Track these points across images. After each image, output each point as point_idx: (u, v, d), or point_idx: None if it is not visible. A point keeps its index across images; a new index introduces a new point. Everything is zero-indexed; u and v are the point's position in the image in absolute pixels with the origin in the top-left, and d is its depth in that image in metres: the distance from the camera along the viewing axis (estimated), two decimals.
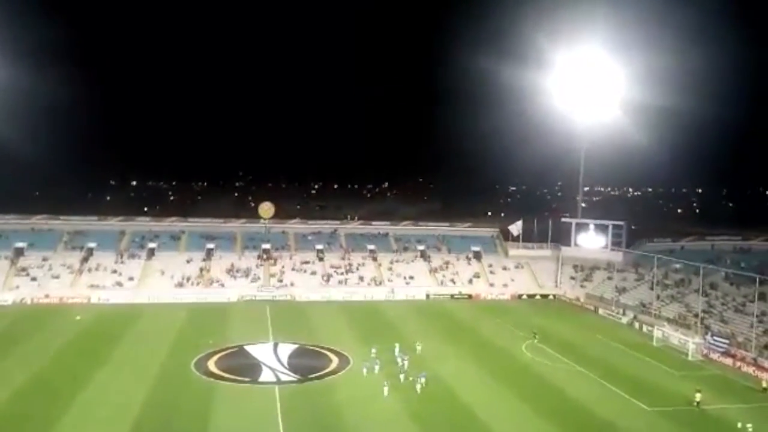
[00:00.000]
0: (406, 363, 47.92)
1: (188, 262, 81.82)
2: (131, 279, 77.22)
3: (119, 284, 76.18)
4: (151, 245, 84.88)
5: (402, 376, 45.85)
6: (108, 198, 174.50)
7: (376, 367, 47.33)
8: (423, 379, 44.03)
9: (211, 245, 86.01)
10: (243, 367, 48.23)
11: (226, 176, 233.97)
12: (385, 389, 42.47)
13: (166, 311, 68.08)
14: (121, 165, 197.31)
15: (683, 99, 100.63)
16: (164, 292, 75.02)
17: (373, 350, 51.02)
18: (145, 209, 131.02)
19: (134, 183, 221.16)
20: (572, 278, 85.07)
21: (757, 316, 57.29)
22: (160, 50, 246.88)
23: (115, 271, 78.24)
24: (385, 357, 49.84)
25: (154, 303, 72.29)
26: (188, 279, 78.30)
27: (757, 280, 58.33)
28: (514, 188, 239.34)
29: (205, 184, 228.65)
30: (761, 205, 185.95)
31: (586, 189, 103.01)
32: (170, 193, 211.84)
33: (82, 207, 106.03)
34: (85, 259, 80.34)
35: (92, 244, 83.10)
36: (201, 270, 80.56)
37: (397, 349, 51.48)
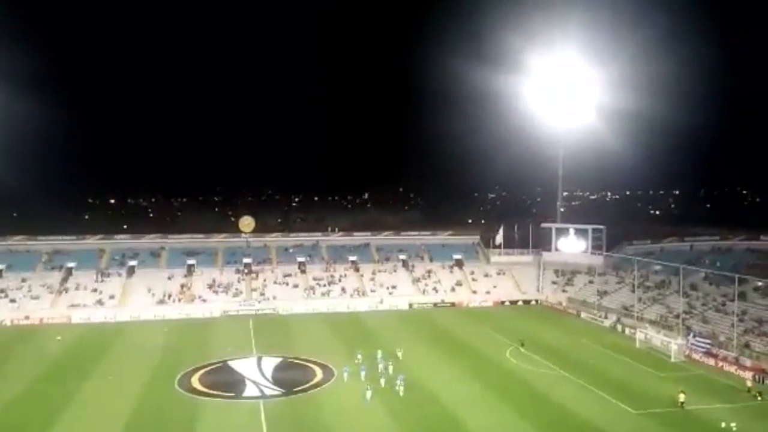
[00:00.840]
0: (390, 368, 48.70)
1: (169, 278, 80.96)
2: (112, 297, 76.18)
3: (100, 303, 75.10)
4: (132, 263, 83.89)
5: (383, 381, 46.59)
6: (86, 216, 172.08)
7: (363, 373, 47.95)
8: (400, 381, 45.00)
9: (192, 261, 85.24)
10: (227, 382, 47.74)
11: (205, 191, 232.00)
12: (368, 393, 43.18)
13: (148, 329, 67.29)
14: (99, 183, 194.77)
15: (658, 102, 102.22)
16: (146, 309, 74.14)
17: (359, 356, 52.04)
18: (125, 227, 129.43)
19: (112, 201, 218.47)
20: (554, 283, 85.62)
21: (737, 315, 58.09)
22: (134, 67, 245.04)
23: (95, 290, 77.14)
24: (368, 363, 50.40)
25: (136, 321, 71.56)
26: (169, 296, 77.46)
27: (737, 279, 59.22)
28: (493, 195, 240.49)
29: (185, 199, 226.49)
30: (738, 204, 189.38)
31: (565, 194, 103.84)
32: (149, 209, 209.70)
33: (60, 226, 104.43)
34: (65, 279, 79.18)
35: (71, 264, 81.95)
36: (182, 286, 79.74)
37: (379, 355, 52.16)
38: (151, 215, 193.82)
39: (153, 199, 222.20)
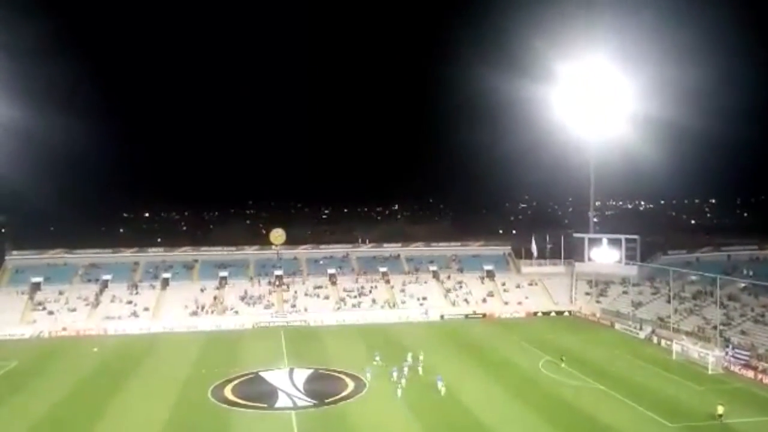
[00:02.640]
0: (419, 368, 52.99)
1: (202, 290, 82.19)
2: (146, 309, 77.60)
3: (135, 315, 76.57)
4: (165, 275, 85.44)
5: (403, 381, 49.16)
6: (121, 230, 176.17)
7: (394, 374, 50.45)
8: (440, 382, 47.76)
9: (224, 273, 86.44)
10: (259, 393, 48.16)
11: (237, 204, 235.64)
12: (399, 391, 46.92)
13: (181, 340, 68.39)
14: (134, 197, 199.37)
15: (691, 110, 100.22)
16: (179, 321, 75.37)
17: (377, 357, 55.62)
18: (158, 240, 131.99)
19: (147, 215, 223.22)
20: (587, 294, 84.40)
21: None
22: (166, 82, 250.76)
23: (130, 302, 78.71)
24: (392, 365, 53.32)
25: (170, 332, 72.71)
26: (202, 307, 78.58)
27: None
28: (524, 205, 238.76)
29: (217, 213, 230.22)
30: None
31: (598, 203, 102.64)
32: (182, 223, 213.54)
33: (95, 240, 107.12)
34: (101, 292, 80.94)
35: (107, 276, 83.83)
36: (215, 298, 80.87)
37: (409, 358, 54.92)
38: (184, 228, 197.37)
39: (185, 213, 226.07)
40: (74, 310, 76.54)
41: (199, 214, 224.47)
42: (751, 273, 71.89)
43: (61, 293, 79.38)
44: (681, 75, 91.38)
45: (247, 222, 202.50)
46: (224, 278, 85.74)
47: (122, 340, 69.14)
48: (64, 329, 72.62)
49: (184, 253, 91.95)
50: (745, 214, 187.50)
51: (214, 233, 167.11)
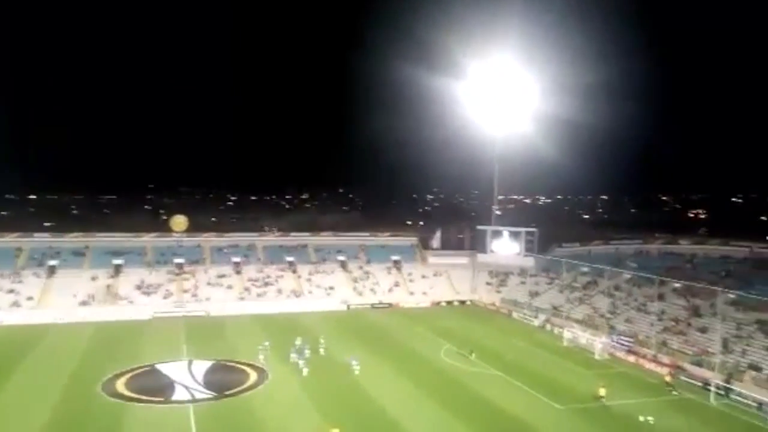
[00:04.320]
0: (321, 350, 55.81)
1: (93, 279, 77.71)
2: (30, 299, 72.44)
3: (17, 304, 71.25)
4: (52, 262, 79.93)
5: (305, 368, 50.05)
6: (4, 213, 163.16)
7: (293, 355, 52.82)
8: (355, 362, 50.35)
9: (118, 261, 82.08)
10: (155, 386, 46.19)
11: (136, 189, 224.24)
12: (305, 371, 49.22)
13: (69, 332, 64.33)
14: (18, 178, 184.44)
15: (589, 110, 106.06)
16: (67, 311, 70.81)
17: (266, 343, 55.74)
18: (46, 224, 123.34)
19: (32, 197, 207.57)
20: (488, 284, 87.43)
21: (656, 315, 60.95)
22: (61, 55, 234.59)
23: (11, 291, 73.14)
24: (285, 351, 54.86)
25: (57, 323, 68.13)
26: (93, 297, 74.36)
27: (657, 281, 62.28)
28: (432, 197, 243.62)
29: (113, 197, 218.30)
30: (659, 210, 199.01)
31: (501, 197, 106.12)
32: (74, 207, 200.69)
33: None
34: None
35: None
36: (108, 287, 76.73)
37: (298, 342, 55.94)
38: (75, 212, 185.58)
39: (78, 196, 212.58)
40: None
41: (93, 198, 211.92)
42: (635, 265, 77.04)
43: None
44: (580, 75, 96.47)
45: (147, 208, 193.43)
46: (119, 266, 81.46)
47: (2, 332, 64.06)
48: None
49: (74, 239, 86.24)
50: (632, 210, 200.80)
51: (109, 219, 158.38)
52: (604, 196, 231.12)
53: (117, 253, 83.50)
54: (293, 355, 52.99)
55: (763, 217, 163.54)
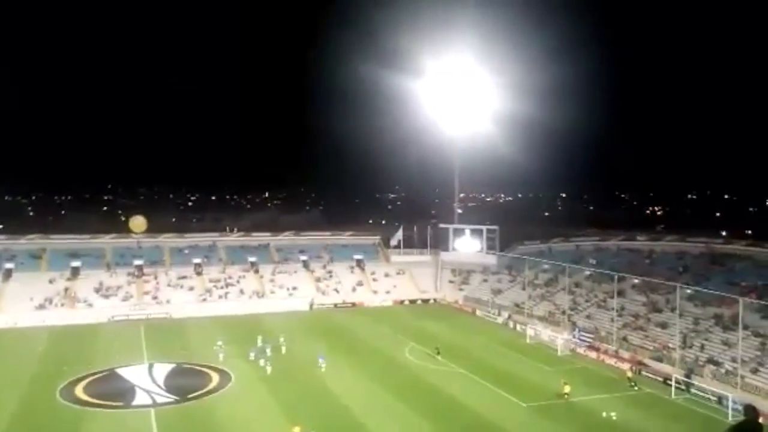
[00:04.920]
0: (282, 348, 56.04)
1: (51, 282, 75.57)
2: None
3: None
4: (8, 265, 77.43)
5: (267, 366, 50.60)
6: None
7: (252, 354, 53.43)
8: (322, 360, 51.07)
9: (76, 263, 79.95)
10: (115, 391, 45.23)
11: (93, 189, 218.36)
12: (268, 369, 50.02)
13: (25, 336, 62.45)
14: None
15: (548, 109, 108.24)
16: (23, 315, 68.70)
17: (219, 343, 56.46)
18: (0, 226, 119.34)
19: None
20: (451, 282, 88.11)
21: (616, 311, 62.37)
22: (13, 48, 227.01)
23: None
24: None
25: (12, 328, 66.01)
26: (51, 300, 72.28)
27: (616, 277, 63.70)
28: (394, 195, 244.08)
29: (70, 197, 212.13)
30: (617, 207, 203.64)
31: (462, 195, 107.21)
32: (29, 207, 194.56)
33: None
34: None
35: None
36: (66, 290, 74.69)
37: (259, 342, 56.71)
38: (31, 213, 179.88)
39: (33, 197, 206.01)
40: None
41: (49, 199, 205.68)
42: (594, 262, 78.70)
43: None
44: (539, 74, 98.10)
45: (105, 208, 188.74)
46: (77, 268, 79.35)
47: None
48: None
49: (30, 241, 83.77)
50: (591, 208, 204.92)
51: (66, 220, 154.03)
52: (563, 194, 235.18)
53: (75, 255, 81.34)
54: (252, 354, 53.61)
55: (718, 213, 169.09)
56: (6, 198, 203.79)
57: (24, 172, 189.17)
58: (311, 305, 79.79)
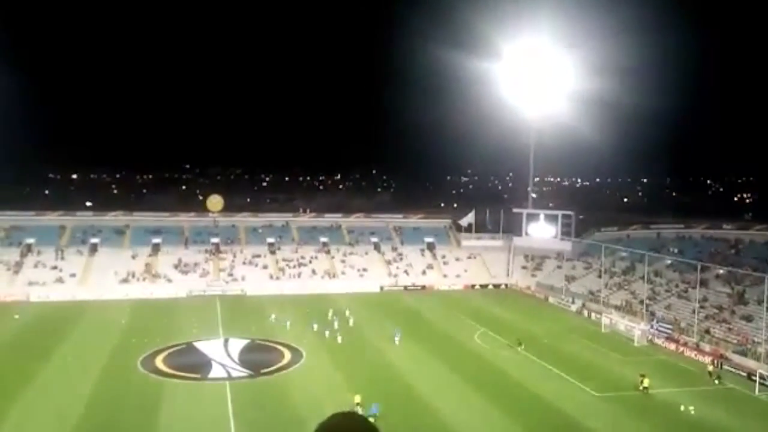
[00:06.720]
0: (350, 321, 59.31)
1: (133, 257, 79.26)
2: (73, 275, 74.31)
3: (60, 281, 73.20)
4: (94, 240, 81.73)
5: (338, 336, 53.89)
6: (47, 192, 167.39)
7: (315, 326, 56.58)
8: (398, 336, 53.17)
9: (157, 240, 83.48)
10: (192, 363, 46.97)
11: (173, 168, 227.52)
12: (339, 338, 53.16)
13: (110, 308, 65.77)
14: (61, 157, 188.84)
15: (629, 90, 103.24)
16: (108, 288, 72.51)
17: (272, 316, 60.29)
18: (87, 203, 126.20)
19: (75, 176, 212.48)
20: (523, 268, 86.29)
21: (698, 302, 59.28)
22: (101, 35, 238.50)
23: (55, 267, 75.13)
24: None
25: (98, 300, 69.69)
26: (133, 275, 75.88)
27: (699, 267, 60.42)
28: (466, 179, 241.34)
29: (151, 176, 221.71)
30: (702, 194, 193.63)
31: (537, 179, 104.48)
32: (113, 186, 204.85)
33: (19, 201, 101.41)
34: (24, 256, 76.83)
35: (31, 240, 79.41)
36: (146, 265, 78.19)
37: (330, 314, 59.90)
38: (115, 192, 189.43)
39: (117, 175, 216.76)
40: None
41: (131, 178, 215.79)
42: (676, 251, 75.04)
43: None
44: (620, 55, 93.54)
45: (183, 187, 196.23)
46: (157, 245, 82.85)
47: (46, 308, 65.78)
48: None
49: (114, 218, 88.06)
50: (674, 194, 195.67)
51: (147, 198, 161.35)
52: (644, 179, 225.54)
53: (156, 232, 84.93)
54: (314, 325, 56.81)
55: None
56: (92, 176, 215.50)
57: (109, 153, 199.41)
58: (381, 287, 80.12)
